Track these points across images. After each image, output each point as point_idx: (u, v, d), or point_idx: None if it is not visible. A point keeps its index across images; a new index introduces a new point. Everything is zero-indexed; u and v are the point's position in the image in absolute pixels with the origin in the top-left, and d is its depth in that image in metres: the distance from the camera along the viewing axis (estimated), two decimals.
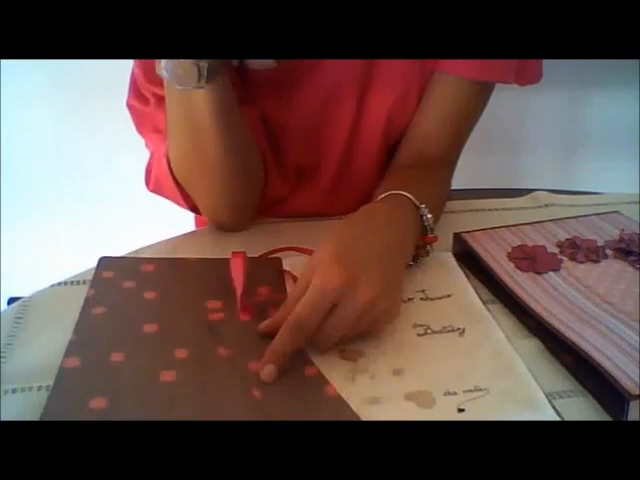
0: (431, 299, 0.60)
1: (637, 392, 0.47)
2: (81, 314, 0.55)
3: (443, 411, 0.47)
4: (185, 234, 0.73)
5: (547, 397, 0.49)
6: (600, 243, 0.67)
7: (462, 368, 0.51)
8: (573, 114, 1.51)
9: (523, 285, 0.60)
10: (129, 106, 0.74)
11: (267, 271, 0.62)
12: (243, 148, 0.68)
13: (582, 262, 0.64)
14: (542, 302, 0.58)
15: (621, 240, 0.67)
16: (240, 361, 0.51)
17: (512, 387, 0.49)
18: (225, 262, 0.60)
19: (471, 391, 0.49)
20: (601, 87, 1.46)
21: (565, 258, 0.65)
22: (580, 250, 0.66)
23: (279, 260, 0.64)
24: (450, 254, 0.67)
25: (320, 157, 0.77)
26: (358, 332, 0.52)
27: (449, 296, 0.60)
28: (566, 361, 0.53)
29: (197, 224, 0.96)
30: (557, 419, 0.46)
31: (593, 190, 0.85)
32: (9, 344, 0.54)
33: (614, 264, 0.64)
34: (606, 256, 0.65)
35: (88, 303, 0.57)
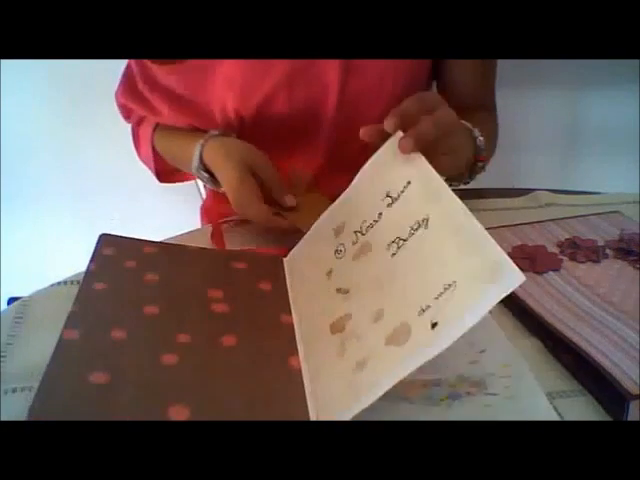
0: (396, 198, 0.55)
1: (637, 392, 0.47)
2: (81, 288, 0.55)
3: (418, 337, 0.44)
4: (187, 232, 0.73)
5: (548, 394, 0.49)
6: (600, 243, 0.67)
7: (431, 270, 0.48)
8: (573, 114, 1.51)
9: (523, 285, 0.60)
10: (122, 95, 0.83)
11: (268, 267, 0.63)
12: None
13: (582, 262, 0.64)
14: (542, 302, 0.58)
15: (621, 240, 0.67)
16: (244, 352, 0.51)
17: (479, 265, 0.45)
18: (226, 252, 0.62)
19: (441, 294, 0.45)
20: (601, 87, 1.46)
21: (565, 258, 0.65)
22: (580, 250, 0.66)
23: (280, 258, 0.65)
24: (397, 134, 0.57)
25: (314, 121, 0.81)
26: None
27: (409, 183, 0.55)
28: (566, 361, 0.53)
29: (203, 219, 0.96)
30: (509, 289, 0.44)
31: (593, 190, 0.85)
32: (9, 344, 0.54)
33: (614, 264, 0.64)
34: (606, 256, 0.65)
35: (89, 278, 0.56)
